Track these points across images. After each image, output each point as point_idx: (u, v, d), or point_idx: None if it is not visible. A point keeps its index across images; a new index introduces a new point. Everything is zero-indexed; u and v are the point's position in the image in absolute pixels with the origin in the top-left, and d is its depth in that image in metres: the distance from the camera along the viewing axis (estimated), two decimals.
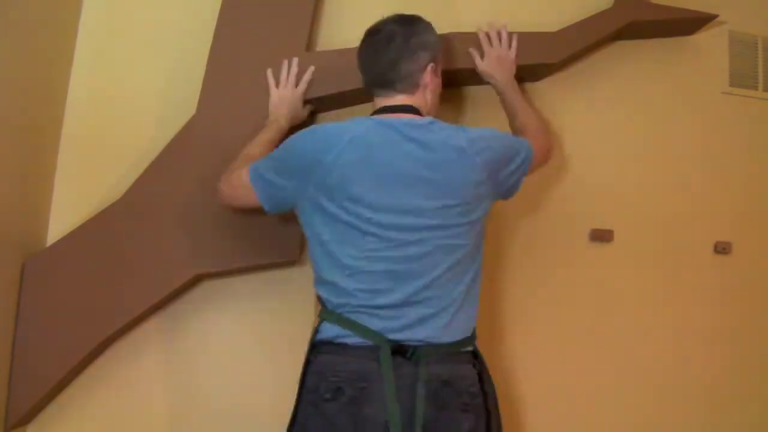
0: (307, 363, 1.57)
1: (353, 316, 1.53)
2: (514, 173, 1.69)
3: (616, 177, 2.25)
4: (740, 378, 2.25)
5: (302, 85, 1.93)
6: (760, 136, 2.41)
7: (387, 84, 1.65)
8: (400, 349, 1.49)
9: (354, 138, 1.53)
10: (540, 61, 2.10)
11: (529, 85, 2.20)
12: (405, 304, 1.52)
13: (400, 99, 1.65)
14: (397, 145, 1.54)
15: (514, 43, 2.04)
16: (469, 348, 1.62)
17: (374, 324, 1.51)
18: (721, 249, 2.29)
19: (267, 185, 1.62)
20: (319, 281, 1.63)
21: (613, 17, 2.18)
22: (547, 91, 2.22)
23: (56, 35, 1.92)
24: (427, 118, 1.61)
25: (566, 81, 2.24)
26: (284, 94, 1.91)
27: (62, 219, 1.90)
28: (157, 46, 2.02)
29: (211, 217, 1.86)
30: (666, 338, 2.22)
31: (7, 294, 1.71)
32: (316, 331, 1.61)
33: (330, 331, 1.55)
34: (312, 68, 1.94)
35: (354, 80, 1.91)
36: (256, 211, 1.77)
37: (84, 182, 1.93)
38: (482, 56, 2.02)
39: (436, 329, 1.53)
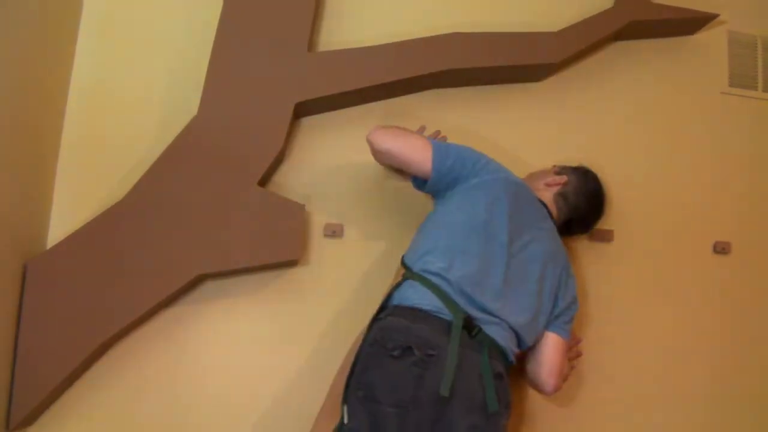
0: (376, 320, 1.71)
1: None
2: (565, 317, 1.86)
3: (616, 177, 2.25)
4: (740, 378, 2.26)
5: None
6: (760, 136, 2.41)
7: (578, 225, 2.06)
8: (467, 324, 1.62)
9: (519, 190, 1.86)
10: (541, 61, 2.10)
11: (529, 85, 2.20)
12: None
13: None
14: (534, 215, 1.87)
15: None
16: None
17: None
18: (721, 249, 2.29)
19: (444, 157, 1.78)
20: None
21: (614, 17, 2.18)
22: (547, 91, 2.22)
23: (56, 35, 1.91)
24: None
25: (567, 81, 2.24)
26: None
27: (63, 220, 1.89)
28: (158, 47, 2.01)
29: (212, 218, 1.86)
30: (665, 338, 2.22)
31: (8, 296, 1.71)
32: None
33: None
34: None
35: (354, 81, 1.92)
36: (257, 211, 1.78)
37: (84, 183, 1.93)
38: None
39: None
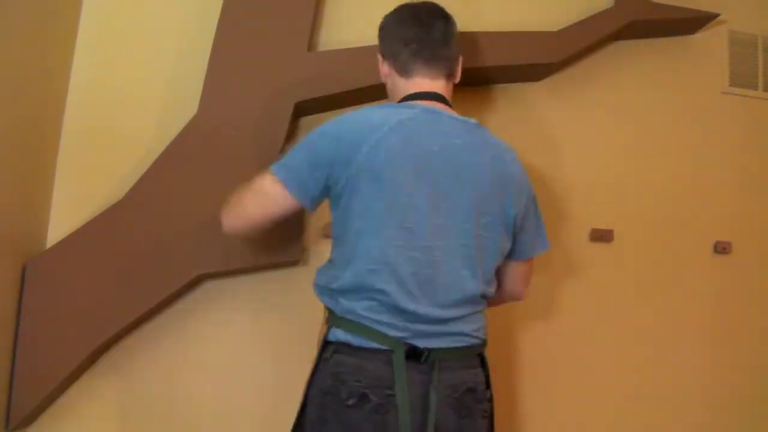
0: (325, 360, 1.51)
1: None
2: (527, 236, 1.62)
3: (616, 177, 2.26)
4: (739, 377, 2.26)
5: None
6: (760, 136, 2.41)
7: (438, 60, 1.54)
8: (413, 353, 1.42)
9: (393, 127, 1.44)
10: (541, 60, 2.10)
11: (529, 85, 2.20)
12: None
13: (441, 85, 1.55)
14: (443, 137, 1.47)
15: None
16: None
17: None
18: (721, 249, 2.30)
19: (297, 181, 1.50)
20: None
21: (614, 17, 2.18)
22: (548, 90, 2.23)
23: (56, 35, 1.91)
24: (474, 120, 1.54)
25: (567, 81, 2.25)
26: None
27: (62, 220, 1.89)
28: (158, 46, 2.01)
29: (213, 218, 1.84)
30: (665, 338, 2.22)
31: (8, 296, 1.71)
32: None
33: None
34: None
35: (355, 80, 1.91)
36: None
37: (84, 183, 1.93)
38: None
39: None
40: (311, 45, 2.00)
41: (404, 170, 1.42)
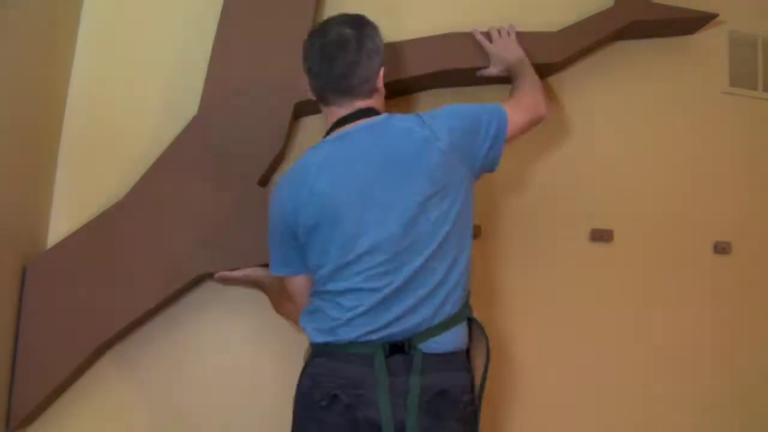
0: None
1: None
2: (488, 143, 1.60)
3: (616, 177, 2.26)
4: (740, 377, 2.26)
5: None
6: (760, 136, 2.41)
7: (345, 91, 1.58)
8: (396, 347, 1.47)
9: (320, 165, 1.54)
10: (541, 60, 2.09)
11: None
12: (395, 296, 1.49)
13: (358, 105, 1.59)
14: (362, 154, 1.52)
15: (513, 32, 2.05)
16: (463, 347, 1.57)
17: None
18: (721, 249, 2.30)
19: (282, 262, 1.65)
20: None
21: (614, 17, 2.18)
22: (548, 90, 2.22)
23: (56, 35, 1.91)
24: (383, 115, 1.59)
25: (567, 80, 2.25)
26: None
27: (63, 220, 1.89)
28: (158, 46, 2.01)
29: (213, 218, 1.85)
30: (665, 338, 2.22)
31: (8, 296, 1.70)
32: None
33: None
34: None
35: None
36: (256, 211, 1.80)
37: (84, 184, 1.93)
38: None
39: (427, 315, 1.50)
40: None
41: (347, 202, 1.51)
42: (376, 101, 1.62)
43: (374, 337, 1.47)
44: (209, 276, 1.90)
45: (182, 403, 1.92)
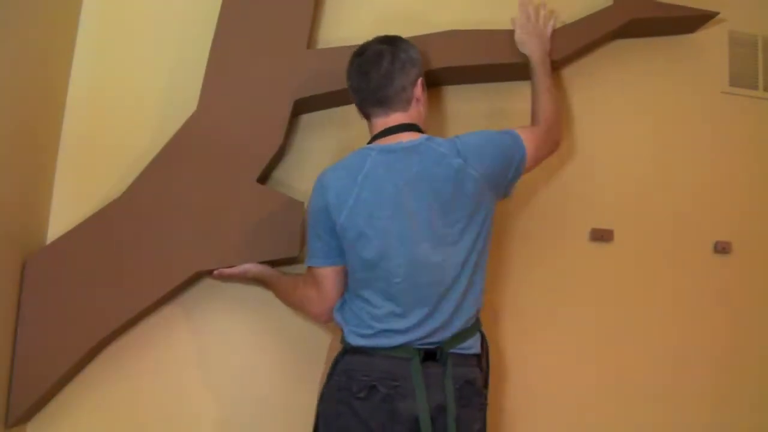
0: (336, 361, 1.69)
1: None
2: (510, 177, 1.73)
3: (616, 177, 2.25)
4: (740, 377, 2.25)
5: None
6: (760, 136, 2.40)
7: (382, 102, 1.68)
8: (429, 354, 1.61)
9: (366, 174, 1.63)
10: None
11: (529, 84, 2.19)
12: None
13: (396, 118, 1.69)
14: (403, 174, 1.62)
15: (552, 23, 2.09)
16: (474, 350, 1.69)
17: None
18: (721, 249, 2.29)
19: (322, 254, 1.71)
20: None
21: (614, 15, 2.17)
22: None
23: (56, 35, 1.92)
24: (423, 137, 1.66)
25: (566, 79, 2.25)
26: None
27: (62, 217, 1.90)
28: (157, 45, 2.02)
29: (211, 215, 1.86)
30: (666, 338, 2.21)
31: (7, 293, 1.71)
32: None
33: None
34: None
35: None
36: (255, 209, 1.82)
37: (83, 181, 1.93)
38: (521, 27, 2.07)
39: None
40: (310, 42, 2.00)
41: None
42: (414, 113, 1.71)
43: (410, 346, 1.61)
44: (207, 273, 1.91)
45: (179, 400, 1.92)
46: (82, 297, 1.78)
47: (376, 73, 1.67)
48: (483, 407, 1.68)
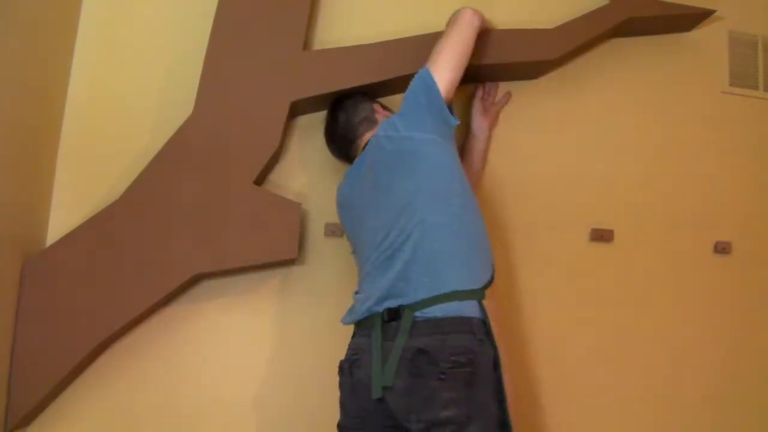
0: None
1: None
2: (419, 102, 1.75)
3: (616, 177, 2.25)
4: (740, 377, 2.24)
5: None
6: (760, 135, 2.39)
7: (348, 153, 1.92)
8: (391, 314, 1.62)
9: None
10: (537, 58, 2.09)
11: (526, 83, 2.20)
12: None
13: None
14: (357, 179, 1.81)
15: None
16: (464, 314, 1.60)
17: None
18: (721, 249, 2.28)
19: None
20: None
21: (611, 13, 2.16)
22: (544, 88, 2.22)
23: (56, 35, 1.93)
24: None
25: (564, 78, 2.24)
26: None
27: (61, 219, 1.91)
28: (155, 47, 2.03)
29: (209, 217, 1.86)
30: (666, 338, 2.21)
31: (6, 294, 1.72)
32: None
33: None
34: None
35: (350, 78, 1.92)
36: (253, 210, 1.83)
37: (83, 182, 1.94)
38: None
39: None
40: (306, 44, 2.01)
41: None
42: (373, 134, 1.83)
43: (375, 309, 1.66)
44: (207, 275, 1.91)
45: (180, 402, 1.93)
46: (81, 299, 1.79)
47: (336, 143, 1.96)
48: (451, 377, 1.51)
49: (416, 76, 1.75)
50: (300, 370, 1.98)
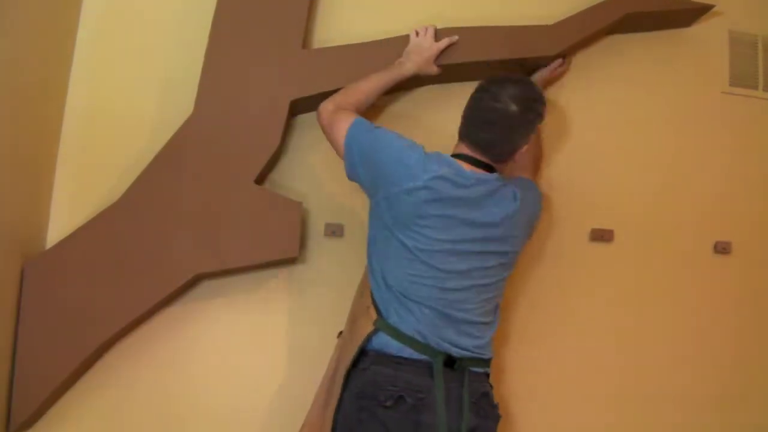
0: (362, 370, 1.65)
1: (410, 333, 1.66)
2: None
3: (616, 177, 2.25)
4: (740, 377, 2.25)
5: (443, 41, 1.99)
6: (760, 135, 2.39)
7: (486, 150, 1.71)
8: (448, 360, 1.65)
9: (435, 179, 1.63)
10: (536, 54, 2.08)
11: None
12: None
13: (485, 160, 1.72)
14: (468, 200, 1.67)
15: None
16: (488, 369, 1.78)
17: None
18: (721, 249, 2.28)
19: (352, 158, 1.70)
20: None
21: (610, 9, 2.14)
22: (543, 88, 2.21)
23: (56, 35, 1.93)
24: (494, 176, 1.72)
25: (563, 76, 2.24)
26: (422, 43, 1.96)
27: (62, 220, 1.90)
28: (154, 46, 2.03)
29: (210, 217, 1.86)
30: (666, 338, 2.21)
31: (7, 297, 1.71)
32: (368, 339, 1.68)
33: (385, 343, 1.67)
34: (456, 37, 2.01)
35: (350, 77, 1.91)
36: (254, 210, 1.82)
37: (83, 183, 1.94)
38: None
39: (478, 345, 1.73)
40: (306, 42, 2.01)
41: None
42: (501, 167, 1.76)
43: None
44: (208, 276, 1.91)
45: (182, 404, 1.93)
46: (82, 301, 1.79)
47: (493, 134, 1.70)
48: (497, 419, 1.74)
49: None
50: (300, 371, 1.98)
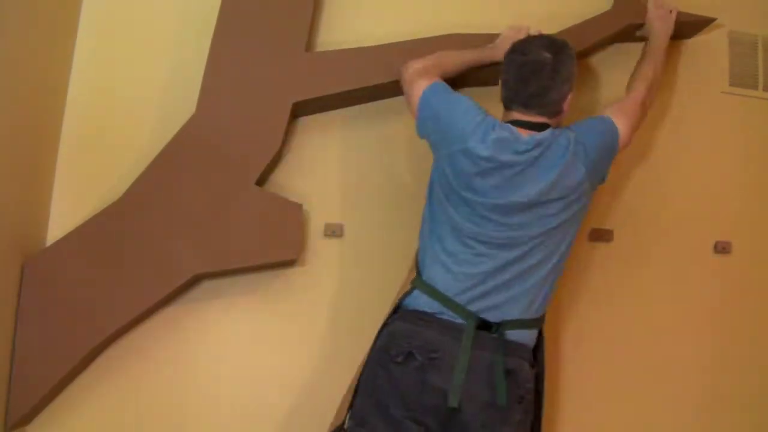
0: (386, 326, 1.71)
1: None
2: (607, 164, 1.81)
3: (616, 177, 2.24)
4: (740, 377, 2.25)
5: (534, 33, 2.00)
6: (760, 135, 2.39)
7: (531, 108, 1.73)
8: (483, 325, 1.65)
9: (496, 141, 1.67)
10: None
11: None
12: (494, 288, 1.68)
13: (539, 119, 1.73)
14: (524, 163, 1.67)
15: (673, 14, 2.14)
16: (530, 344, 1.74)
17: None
18: (721, 249, 2.29)
19: (423, 114, 1.78)
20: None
21: (612, 19, 2.15)
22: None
23: (56, 35, 1.92)
24: (548, 132, 1.70)
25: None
26: (514, 35, 1.96)
27: (62, 219, 1.90)
28: (156, 46, 2.02)
29: (210, 217, 1.86)
30: (665, 338, 2.21)
31: (6, 294, 1.72)
32: (404, 296, 1.74)
33: (417, 299, 1.70)
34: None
35: (354, 80, 1.92)
36: (255, 211, 1.82)
37: (83, 182, 1.94)
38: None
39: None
40: (309, 45, 2.00)
41: None
42: (555, 121, 1.76)
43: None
44: (208, 276, 1.91)
45: (179, 403, 1.93)
46: (81, 299, 1.79)
47: (534, 84, 1.71)
48: (522, 400, 1.65)
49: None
50: (299, 371, 1.98)
